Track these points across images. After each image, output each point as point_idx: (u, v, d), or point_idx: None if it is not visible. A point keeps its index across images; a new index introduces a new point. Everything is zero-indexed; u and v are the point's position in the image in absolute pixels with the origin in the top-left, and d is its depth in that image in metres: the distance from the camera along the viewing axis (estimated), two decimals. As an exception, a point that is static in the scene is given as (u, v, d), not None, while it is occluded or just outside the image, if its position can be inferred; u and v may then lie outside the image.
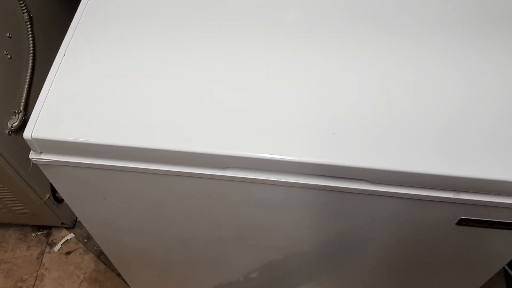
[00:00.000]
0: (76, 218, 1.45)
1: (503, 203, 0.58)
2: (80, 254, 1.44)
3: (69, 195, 0.71)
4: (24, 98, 1.10)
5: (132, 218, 0.75)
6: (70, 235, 1.47)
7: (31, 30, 1.10)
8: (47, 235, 1.48)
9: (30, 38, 1.10)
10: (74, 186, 0.69)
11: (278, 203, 0.65)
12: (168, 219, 0.74)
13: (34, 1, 1.09)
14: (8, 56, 1.03)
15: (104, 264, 1.41)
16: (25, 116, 1.09)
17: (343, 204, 0.64)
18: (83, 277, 1.40)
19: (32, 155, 0.63)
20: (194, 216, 0.72)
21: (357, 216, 0.66)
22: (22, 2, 1.04)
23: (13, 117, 1.08)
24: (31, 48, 1.10)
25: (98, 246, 1.38)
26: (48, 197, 1.25)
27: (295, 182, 0.60)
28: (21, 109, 1.09)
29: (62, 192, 0.70)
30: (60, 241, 1.47)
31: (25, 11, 1.06)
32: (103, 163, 0.62)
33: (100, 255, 1.42)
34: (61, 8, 1.21)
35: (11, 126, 1.06)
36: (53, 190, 1.27)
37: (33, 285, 1.40)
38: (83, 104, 0.63)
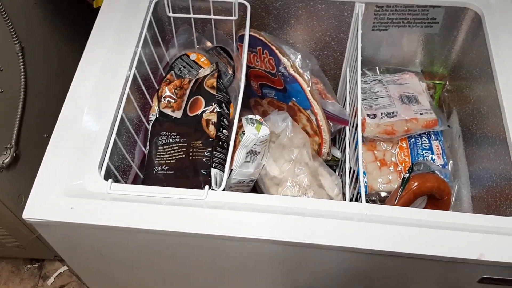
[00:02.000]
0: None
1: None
2: (74, 287, 1.40)
3: (65, 251, 0.67)
4: (15, 132, 1.05)
5: (131, 272, 0.71)
6: (63, 268, 1.42)
7: (23, 62, 1.06)
8: (40, 268, 1.43)
9: (22, 70, 1.06)
10: (70, 244, 0.66)
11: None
12: (166, 274, 0.71)
13: (25, 31, 1.05)
14: (0, 90, 0.99)
15: (100, 298, 1.37)
16: (17, 151, 1.05)
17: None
18: (78, 312, 1.35)
19: (26, 215, 0.59)
20: (194, 271, 0.69)
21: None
22: (13, 32, 0.99)
23: (5, 153, 1.03)
24: (23, 81, 1.06)
25: (93, 280, 1.33)
26: (41, 232, 1.20)
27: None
28: (13, 144, 1.04)
29: (57, 249, 0.67)
30: (53, 274, 1.42)
31: (17, 41, 1.02)
32: (99, 223, 0.59)
33: (95, 289, 1.37)
34: (52, 39, 1.18)
35: (3, 163, 1.02)
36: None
37: (26, 321, 1.35)
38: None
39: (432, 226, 0.59)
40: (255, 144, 0.73)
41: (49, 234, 0.64)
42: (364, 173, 0.86)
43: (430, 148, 0.87)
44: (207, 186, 0.64)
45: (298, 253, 0.61)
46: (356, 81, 0.84)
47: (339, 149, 0.96)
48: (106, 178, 0.66)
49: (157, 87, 0.88)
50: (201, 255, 0.66)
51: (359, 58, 0.77)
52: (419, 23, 0.87)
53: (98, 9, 1.03)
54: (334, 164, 0.97)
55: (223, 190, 0.66)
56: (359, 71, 0.76)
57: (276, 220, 0.59)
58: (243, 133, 0.73)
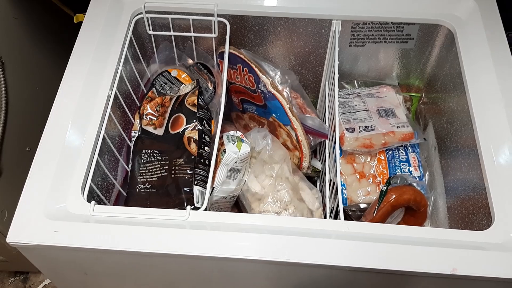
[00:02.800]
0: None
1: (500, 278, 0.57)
2: (58, 299, 1.39)
3: (50, 272, 0.68)
4: (-4, 148, 1.05)
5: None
6: (48, 280, 1.42)
7: (3, 76, 1.05)
8: (25, 280, 1.42)
9: (3, 85, 1.05)
10: (55, 265, 0.66)
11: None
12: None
13: (6, 46, 1.05)
14: (-19, 107, 0.99)
15: (85, 311, 1.36)
16: (-1, 167, 1.05)
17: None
18: (63, 325, 1.35)
19: (10, 239, 0.60)
20: None
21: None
22: (-7, 48, 1.00)
23: (-14, 168, 1.03)
24: (4, 95, 1.06)
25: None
26: (24, 248, 1.20)
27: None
28: (-6, 159, 1.04)
29: (42, 269, 0.67)
30: (38, 286, 1.41)
31: (-4, 57, 1.02)
32: (83, 246, 0.60)
33: (80, 302, 1.37)
34: (32, 53, 1.18)
35: (-16, 178, 1.02)
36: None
37: (10, 336, 1.34)
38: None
39: (408, 242, 0.61)
40: (236, 162, 0.74)
41: (33, 257, 0.65)
42: (343, 185, 0.88)
43: (407, 160, 0.89)
44: (189, 207, 0.65)
45: (280, 271, 0.63)
46: (334, 98, 0.86)
47: (320, 161, 0.98)
48: (89, 199, 0.67)
49: (138, 104, 0.89)
50: (184, 274, 0.67)
51: (336, 75, 0.79)
52: (395, 39, 0.90)
53: (78, 24, 1.04)
54: (315, 175, 0.99)
55: (205, 209, 0.67)
56: (337, 89, 0.78)
57: (257, 239, 0.61)
58: (224, 151, 0.74)
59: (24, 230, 0.61)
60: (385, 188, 0.80)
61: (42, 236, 0.61)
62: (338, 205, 0.85)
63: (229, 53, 0.85)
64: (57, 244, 0.60)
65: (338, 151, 0.73)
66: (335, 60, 0.81)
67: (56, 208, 0.64)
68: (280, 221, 0.64)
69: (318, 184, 1.03)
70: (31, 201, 0.64)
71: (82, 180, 0.67)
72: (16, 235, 0.61)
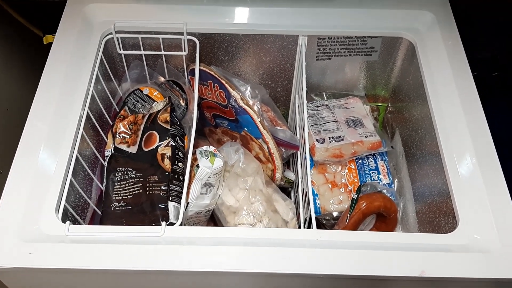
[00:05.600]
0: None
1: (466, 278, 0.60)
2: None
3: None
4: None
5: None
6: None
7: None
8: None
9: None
10: (31, 287, 0.66)
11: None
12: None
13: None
14: None
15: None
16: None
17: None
18: None
19: (-16, 263, 0.60)
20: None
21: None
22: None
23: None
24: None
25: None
26: None
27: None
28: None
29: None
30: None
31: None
32: (59, 266, 0.60)
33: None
34: (1, 73, 1.17)
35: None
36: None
37: None
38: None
39: (379, 248, 0.63)
40: (209, 177, 0.76)
41: (8, 280, 0.64)
42: (316, 195, 0.91)
43: (377, 168, 0.92)
44: (164, 223, 0.66)
45: (257, 282, 0.64)
46: (303, 110, 0.89)
47: (293, 171, 1.00)
48: (64, 219, 0.67)
49: (111, 123, 0.90)
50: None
51: (304, 88, 0.81)
52: (359, 52, 0.93)
53: (48, 45, 1.04)
54: (289, 186, 1.01)
55: (181, 224, 0.68)
56: (305, 101, 0.80)
57: (233, 252, 0.62)
58: (198, 166, 0.76)
59: (-1, 253, 0.61)
60: (356, 196, 0.83)
61: (16, 259, 0.61)
62: (311, 215, 0.87)
63: (200, 70, 0.87)
64: (32, 266, 0.60)
65: (308, 162, 0.75)
66: (302, 74, 0.84)
67: (31, 229, 0.64)
68: (255, 233, 0.66)
69: (292, 194, 1.05)
70: (5, 223, 0.64)
71: (56, 201, 0.68)
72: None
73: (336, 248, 0.62)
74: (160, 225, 0.73)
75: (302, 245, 0.63)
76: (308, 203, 0.87)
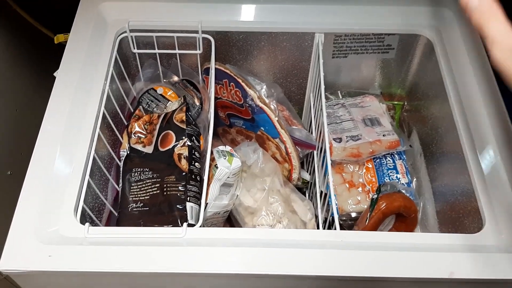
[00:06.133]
0: None
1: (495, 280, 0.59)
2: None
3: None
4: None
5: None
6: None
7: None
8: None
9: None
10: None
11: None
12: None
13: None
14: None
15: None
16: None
17: None
18: None
19: (2, 267, 0.59)
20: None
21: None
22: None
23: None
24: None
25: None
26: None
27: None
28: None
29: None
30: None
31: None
32: (79, 269, 0.59)
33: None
34: (10, 74, 1.16)
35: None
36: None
37: None
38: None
39: (405, 249, 0.62)
40: (228, 177, 0.74)
41: (28, 283, 0.63)
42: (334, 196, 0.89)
43: (395, 168, 0.91)
44: (185, 224, 0.65)
45: (280, 284, 0.63)
46: (321, 108, 0.88)
47: (307, 171, 0.99)
48: (82, 221, 0.66)
49: (125, 123, 0.88)
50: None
51: (323, 87, 0.80)
52: (376, 50, 0.92)
53: (59, 44, 1.03)
54: (304, 187, 0.99)
55: (201, 225, 0.66)
56: (323, 100, 0.79)
57: (256, 253, 0.61)
58: (216, 166, 0.74)
59: (17, 257, 0.60)
60: (375, 196, 0.82)
61: (36, 262, 0.59)
62: (330, 216, 0.86)
63: (215, 68, 0.86)
64: (52, 269, 0.59)
65: (329, 162, 0.74)
66: (320, 72, 0.82)
67: (49, 232, 0.63)
68: (277, 234, 0.64)
69: (307, 195, 1.03)
70: (23, 225, 0.63)
71: (74, 202, 0.67)
72: (8, 262, 0.59)
73: (360, 250, 0.61)
74: (179, 226, 0.72)
75: (325, 247, 0.62)
76: (326, 204, 0.86)
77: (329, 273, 0.60)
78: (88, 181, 0.70)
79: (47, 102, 0.78)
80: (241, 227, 0.82)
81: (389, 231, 0.87)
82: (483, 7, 0.42)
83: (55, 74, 0.91)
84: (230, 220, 0.86)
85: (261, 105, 0.83)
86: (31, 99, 1.22)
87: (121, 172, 0.82)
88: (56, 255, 0.60)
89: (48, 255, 0.60)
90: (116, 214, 0.79)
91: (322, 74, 0.81)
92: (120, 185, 0.81)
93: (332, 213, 0.88)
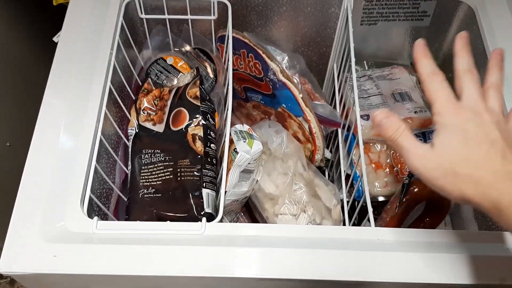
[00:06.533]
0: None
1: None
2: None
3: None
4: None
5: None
6: (38, 279, 1.35)
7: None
8: (12, 283, 1.35)
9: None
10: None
11: None
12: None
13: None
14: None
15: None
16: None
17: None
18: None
19: (3, 268, 0.53)
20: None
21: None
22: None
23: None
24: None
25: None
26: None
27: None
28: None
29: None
30: (27, 285, 1.34)
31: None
32: (87, 272, 0.54)
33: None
34: (6, 38, 1.07)
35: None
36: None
37: None
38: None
39: (449, 249, 0.55)
40: (249, 163, 0.67)
41: (31, 285, 0.58)
42: (358, 177, 0.83)
43: (426, 148, 0.83)
44: (204, 219, 0.58)
45: None
46: (347, 82, 0.80)
47: (328, 149, 0.92)
48: (89, 212, 0.59)
49: (133, 97, 0.81)
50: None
51: (353, 60, 0.72)
52: (409, 17, 0.83)
53: (58, 6, 0.94)
54: (323, 166, 0.93)
55: (221, 219, 0.60)
56: (354, 75, 0.71)
57: (282, 254, 0.55)
58: (235, 151, 0.67)
59: (19, 257, 0.54)
60: (407, 181, 0.75)
61: (40, 263, 0.53)
62: (355, 199, 0.80)
63: (232, 37, 0.77)
64: (58, 271, 0.53)
65: (361, 141, 0.67)
66: (349, 42, 0.74)
67: (54, 228, 0.56)
68: (305, 231, 0.58)
69: (326, 174, 0.97)
70: (25, 220, 0.57)
71: (80, 191, 0.60)
72: (10, 264, 0.53)
73: (401, 251, 0.55)
74: (195, 215, 0.66)
75: (362, 248, 0.56)
76: (349, 185, 0.80)
77: (365, 278, 0.54)
78: (95, 166, 0.63)
79: (46, 68, 0.70)
80: (260, 213, 0.75)
81: (418, 217, 0.81)
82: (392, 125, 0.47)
83: (54, 38, 0.83)
84: (247, 203, 0.80)
85: (284, 80, 0.75)
86: (28, 65, 1.14)
87: (129, 153, 0.75)
88: (61, 255, 0.54)
89: (53, 255, 0.54)
90: (126, 199, 0.72)
91: (352, 45, 0.73)
92: (129, 167, 0.74)
93: (357, 197, 0.82)
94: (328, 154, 0.89)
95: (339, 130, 0.83)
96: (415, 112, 0.82)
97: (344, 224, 0.75)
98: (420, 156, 0.45)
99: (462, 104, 0.46)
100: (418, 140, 0.46)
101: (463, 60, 0.49)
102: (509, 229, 0.41)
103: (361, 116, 0.82)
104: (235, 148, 0.68)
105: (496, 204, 0.41)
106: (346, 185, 0.80)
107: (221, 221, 0.59)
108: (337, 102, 0.85)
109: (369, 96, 0.85)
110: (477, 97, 0.46)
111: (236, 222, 0.81)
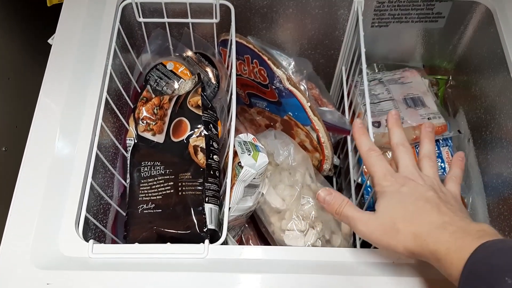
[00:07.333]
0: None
1: None
2: None
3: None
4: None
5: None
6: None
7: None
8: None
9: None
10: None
11: None
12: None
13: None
14: None
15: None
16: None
17: None
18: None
19: None
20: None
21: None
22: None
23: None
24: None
25: None
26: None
27: None
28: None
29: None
30: None
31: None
32: None
33: None
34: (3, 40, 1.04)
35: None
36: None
37: None
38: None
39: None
40: (254, 178, 0.64)
41: None
42: (369, 187, 0.79)
43: (440, 156, 0.79)
44: (207, 241, 0.55)
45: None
46: (356, 87, 0.76)
47: (336, 155, 0.88)
48: (85, 232, 0.56)
49: (131, 105, 0.77)
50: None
51: (364, 65, 0.68)
52: (423, 18, 0.78)
53: (52, 7, 0.91)
54: (330, 174, 0.89)
55: (223, 242, 0.56)
56: (366, 81, 0.66)
57: (294, 281, 0.51)
58: (240, 165, 0.63)
59: (9, 285, 0.50)
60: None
61: (32, 292, 0.50)
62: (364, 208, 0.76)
63: (236, 41, 0.73)
64: (51, 301, 0.50)
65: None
66: (360, 45, 0.70)
67: (47, 252, 0.53)
68: (316, 254, 0.54)
69: (334, 180, 0.93)
70: (16, 245, 0.53)
71: (75, 211, 0.56)
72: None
73: (416, 276, 0.51)
74: (197, 232, 0.62)
75: (376, 273, 0.52)
76: (360, 195, 0.76)
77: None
78: (91, 183, 0.59)
79: (41, 70, 0.67)
80: (265, 226, 0.72)
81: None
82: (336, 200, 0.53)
83: (49, 41, 0.79)
84: (252, 215, 0.76)
85: (290, 88, 0.71)
86: (23, 67, 1.10)
87: (128, 165, 0.71)
88: (55, 283, 0.51)
89: (46, 283, 0.51)
90: (124, 214, 0.69)
91: (363, 49, 0.68)
92: (128, 180, 0.70)
93: (369, 208, 0.78)
94: (336, 161, 0.85)
95: (349, 138, 0.79)
96: (428, 119, 0.78)
97: (354, 239, 0.71)
98: (365, 221, 0.49)
99: (398, 174, 0.51)
100: (360, 210, 0.51)
101: (395, 135, 0.55)
102: (449, 278, 0.42)
103: (372, 123, 0.78)
104: (239, 162, 0.64)
105: (434, 253, 0.43)
106: (357, 195, 0.76)
107: (225, 241, 0.55)
108: (346, 107, 0.81)
109: (379, 102, 0.81)
110: (412, 167, 0.51)
111: (240, 235, 0.78)
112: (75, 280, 0.51)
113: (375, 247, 0.52)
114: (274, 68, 0.71)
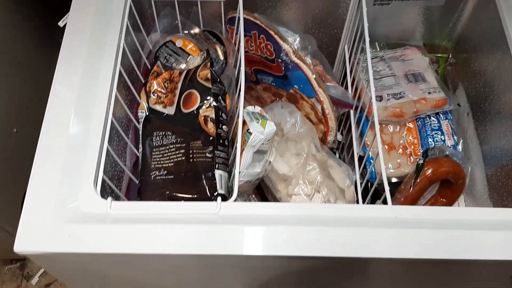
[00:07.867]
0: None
1: None
2: (61, 285, 1.33)
3: (65, 278, 0.61)
4: None
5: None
6: (48, 266, 1.35)
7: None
8: (22, 267, 1.35)
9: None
10: (71, 271, 0.59)
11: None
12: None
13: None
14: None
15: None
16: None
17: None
18: (68, 312, 1.29)
19: (17, 248, 0.52)
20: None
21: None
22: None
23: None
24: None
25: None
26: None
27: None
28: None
29: (57, 276, 0.60)
30: (37, 272, 1.34)
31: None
32: (102, 251, 0.53)
33: (85, 287, 1.31)
34: (9, 26, 1.06)
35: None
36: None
37: (14, 326, 1.28)
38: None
39: (470, 226, 0.54)
40: (262, 143, 0.67)
41: (46, 264, 0.57)
42: (371, 158, 0.82)
43: (440, 128, 0.82)
44: (219, 198, 0.58)
45: (327, 264, 0.57)
46: (359, 63, 0.79)
47: (339, 131, 0.91)
48: (102, 193, 0.59)
49: (142, 80, 0.80)
50: (215, 273, 0.60)
51: (367, 40, 0.71)
52: (424, -5, 0.82)
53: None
54: (334, 147, 0.92)
55: (235, 199, 0.59)
56: (369, 55, 0.70)
57: (298, 232, 0.54)
58: (249, 132, 0.66)
59: (34, 237, 0.53)
60: (421, 161, 0.74)
61: (55, 243, 0.53)
62: (368, 180, 0.79)
63: (243, 18, 0.76)
64: (72, 251, 0.53)
65: (377, 121, 0.66)
66: (363, 22, 0.73)
67: (68, 208, 0.56)
68: (321, 209, 0.57)
69: (337, 155, 0.96)
70: (39, 201, 0.56)
71: (93, 173, 0.59)
72: (24, 243, 0.53)
73: (418, 228, 0.54)
74: (208, 196, 0.65)
75: (379, 225, 0.55)
76: (362, 167, 0.79)
77: (383, 255, 0.53)
78: (107, 148, 0.62)
79: (52, 53, 0.70)
80: (272, 194, 0.75)
81: (432, 197, 0.80)
82: None
83: (60, 23, 0.82)
84: (259, 185, 0.79)
85: (296, 61, 0.74)
86: (32, 51, 1.13)
87: (140, 136, 0.74)
88: (76, 235, 0.54)
89: (68, 234, 0.54)
90: (137, 182, 0.72)
91: (366, 24, 0.71)
92: (140, 150, 0.73)
93: (370, 178, 0.81)
94: (339, 137, 0.88)
95: (351, 112, 0.82)
96: (428, 93, 0.81)
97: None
98: None
99: None
100: None
101: None
102: None
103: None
104: (248, 129, 0.67)
105: None
106: (359, 166, 0.79)
107: (236, 200, 0.58)
108: (349, 84, 0.84)
109: (381, 78, 0.84)
110: None
111: (248, 205, 0.81)
112: (94, 232, 0.54)
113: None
114: (281, 42, 0.74)
